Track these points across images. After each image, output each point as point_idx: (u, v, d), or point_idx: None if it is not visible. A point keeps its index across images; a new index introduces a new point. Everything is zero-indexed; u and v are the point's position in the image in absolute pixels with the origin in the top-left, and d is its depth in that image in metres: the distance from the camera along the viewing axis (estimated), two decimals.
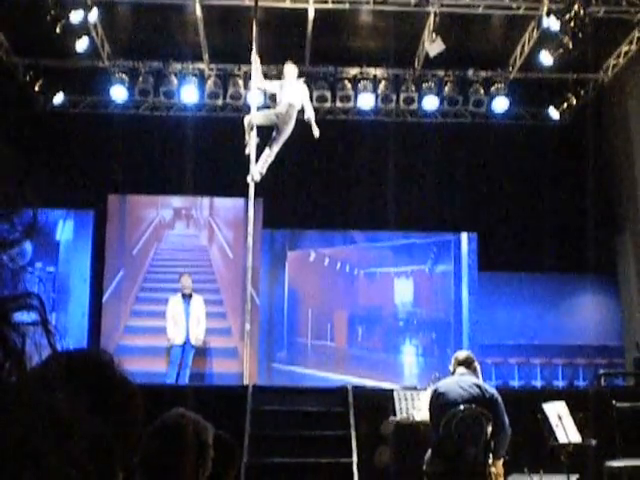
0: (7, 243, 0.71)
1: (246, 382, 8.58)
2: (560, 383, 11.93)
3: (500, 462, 5.81)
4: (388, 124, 12.39)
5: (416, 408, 7.20)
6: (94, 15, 10.03)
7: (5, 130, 10.33)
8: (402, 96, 11.89)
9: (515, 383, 11.85)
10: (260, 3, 9.43)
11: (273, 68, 10.84)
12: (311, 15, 10.34)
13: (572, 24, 9.68)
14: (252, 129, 8.93)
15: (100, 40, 11.00)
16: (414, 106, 12.06)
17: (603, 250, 11.51)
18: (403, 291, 12.14)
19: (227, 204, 11.90)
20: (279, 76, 9.68)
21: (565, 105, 11.94)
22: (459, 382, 5.84)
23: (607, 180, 11.74)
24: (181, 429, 2.55)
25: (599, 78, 11.85)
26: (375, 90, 11.90)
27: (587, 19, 9.67)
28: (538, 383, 11.97)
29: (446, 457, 5.74)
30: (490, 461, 5.71)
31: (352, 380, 10.60)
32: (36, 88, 11.40)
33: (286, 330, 11.93)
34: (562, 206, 12.27)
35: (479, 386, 5.85)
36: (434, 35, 10.40)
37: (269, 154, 8.96)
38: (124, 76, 11.62)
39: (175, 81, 11.72)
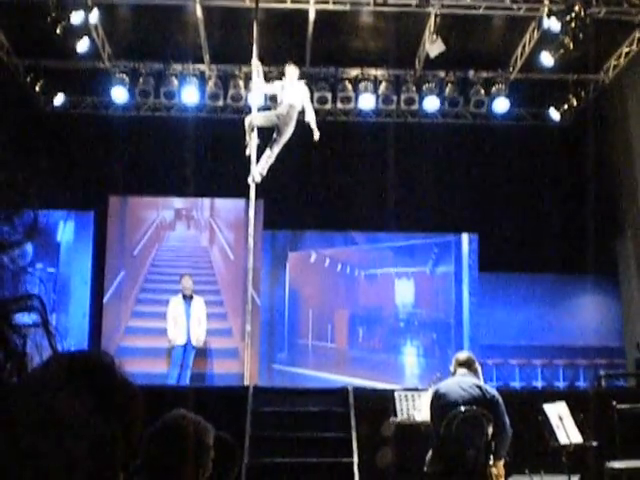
0: (8, 244, 0.71)
1: (247, 383, 8.58)
2: (561, 384, 11.93)
3: (501, 463, 5.80)
4: (389, 125, 12.40)
5: (417, 409, 7.19)
6: (95, 16, 10.04)
7: (6, 131, 10.34)
8: (403, 97, 11.89)
9: (516, 384, 11.84)
10: (261, 4, 9.44)
11: (274, 69, 10.85)
12: (312, 16, 10.35)
13: (573, 25, 9.68)
14: (253, 130, 8.93)
15: (101, 41, 11.01)
16: (415, 107, 12.06)
17: (604, 251, 11.50)
18: (404, 292, 12.14)
19: (228, 205, 11.90)
20: (280, 77, 9.68)
21: (566, 106, 11.94)
22: (460, 383, 5.84)
23: (607, 181, 11.73)
24: (182, 430, 2.55)
25: (600, 79, 11.85)
26: (376, 91, 11.90)
27: (588, 20, 9.67)
28: (539, 384, 11.96)
29: (447, 458, 5.73)
30: (491, 462, 5.70)
31: (353, 381, 10.61)
32: (37, 89, 11.41)
33: (287, 331, 11.92)
34: (563, 207, 12.27)
35: (480, 387, 5.84)
36: (435, 36, 10.40)
37: (270, 155, 8.97)
38: (125, 77, 11.63)
39: (176, 82, 11.73)
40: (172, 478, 2.51)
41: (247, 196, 9.21)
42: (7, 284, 0.69)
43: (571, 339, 12.08)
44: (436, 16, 10.32)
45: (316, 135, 8.99)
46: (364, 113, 12.38)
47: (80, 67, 11.47)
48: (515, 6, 10.34)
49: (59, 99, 11.77)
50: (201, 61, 11.61)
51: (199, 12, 10.28)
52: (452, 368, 6.03)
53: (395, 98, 11.93)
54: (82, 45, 10.28)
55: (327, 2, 10.23)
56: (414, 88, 11.88)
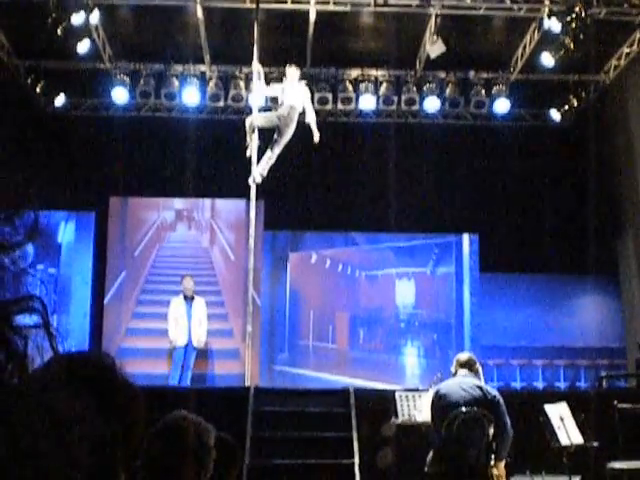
0: (9, 245, 0.71)
1: (248, 384, 8.58)
2: (562, 384, 11.93)
3: (502, 464, 5.80)
4: (389, 126, 12.40)
5: (418, 410, 7.19)
6: (95, 17, 10.04)
7: (7, 132, 10.35)
8: (403, 98, 11.89)
9: (517, 384, 11.84)
10: (261, 5, 9.45)
11: (274, 70, 10.85)
12: (312, 17, 10.35)
13: (573, 25, 9.68)
14: (253, 131, 8.93)
15: (101, 42, 11.01)
16: (415, 108, 12.07)
17: (604, 251, 11.50)
18: (404, 293, 12.13)
19: (228, 206, 11.90)
20: (281, 78, 9.68)
21: (566, 106, 11.93)
22: (461, 384, 5.84)
23: (608, 181, 11.73)
24: (183, 431, 2.55)
25: (600, 79, 11.85)
26: (376, 92, 11.90)
27: (588, 20, 9.67)
28: (540, 384, 11.96)
29: (448, 459, 5.73)
30: (492, 463, 5.70)
31: (354, 382, 10.61)
32: (37, 90, 11.41)
33: (287, 332, 11.92)
34: (563, 207, 12.27)
35: (481, 388, 5.84)
36: (435, 37, 10.39)
37: (270, 156, 8.97)
38: (125, 78, 11.64)
39: (176, 83, 11.73)
40: (173, 479, 2.51)
41: (248, 197, 9.21)
42: (8, 285, 0.70)
43: (572, 339, 12.08)
44: (437, 17, 10.33)
45: (316, 137, 9.00)
46: (365, 114, 12.38)
47: (81, 68, 11.48)
48: (516, 7, 10.34)
49: (60, 100, 11.77)
50: (202, 62, 11.62)
51: (200, 13, 10.28)
52: (453, 369, 6.03)
53: (395, 99, 11.93)
54: (83, 46, 10.29)
55: (328, 3, 10.24)
56: (414, 89, 11.88)
